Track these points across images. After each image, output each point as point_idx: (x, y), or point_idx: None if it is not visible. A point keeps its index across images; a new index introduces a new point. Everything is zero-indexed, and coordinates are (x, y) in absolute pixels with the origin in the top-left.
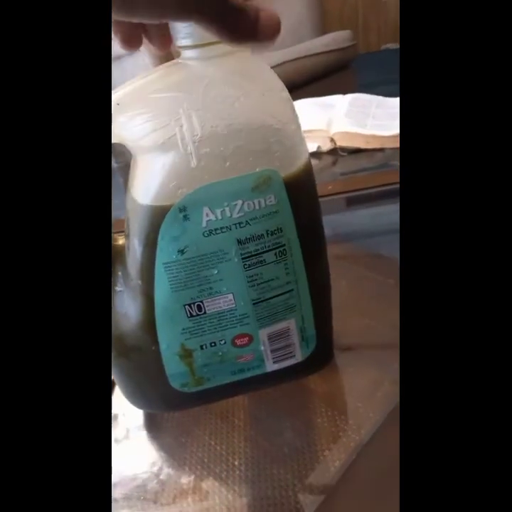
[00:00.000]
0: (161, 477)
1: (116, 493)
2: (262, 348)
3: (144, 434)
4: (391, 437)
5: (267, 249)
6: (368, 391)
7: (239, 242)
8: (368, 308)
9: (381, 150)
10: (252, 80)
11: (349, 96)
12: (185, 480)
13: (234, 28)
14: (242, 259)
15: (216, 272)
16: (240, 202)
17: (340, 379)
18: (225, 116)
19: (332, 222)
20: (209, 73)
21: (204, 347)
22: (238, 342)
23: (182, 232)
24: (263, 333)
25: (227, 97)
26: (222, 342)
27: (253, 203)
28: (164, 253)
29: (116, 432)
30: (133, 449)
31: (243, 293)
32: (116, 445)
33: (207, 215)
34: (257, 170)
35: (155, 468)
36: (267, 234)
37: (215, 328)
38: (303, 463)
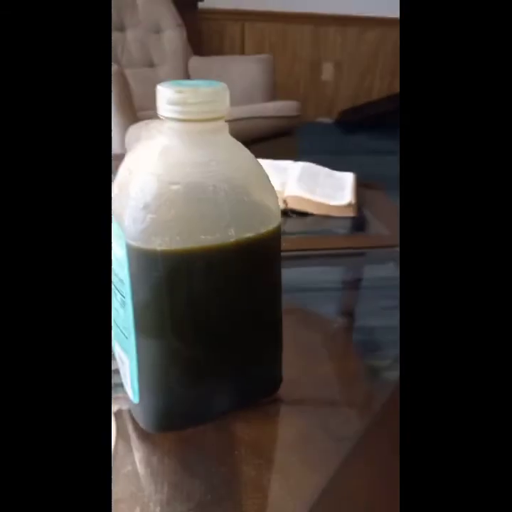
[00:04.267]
0: None
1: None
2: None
3: None
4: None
5: (116, 287)
6: (297, 443)
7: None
8: (296, 362)
9: (327, 217)
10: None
11: (300, 163)
12: None
13: None
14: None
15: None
16: None
17: (268, 428)
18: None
19: None
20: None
21: None
22: None
23: None
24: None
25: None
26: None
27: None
28: None
29: None
30: None
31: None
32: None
33: None
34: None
35: None
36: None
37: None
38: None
